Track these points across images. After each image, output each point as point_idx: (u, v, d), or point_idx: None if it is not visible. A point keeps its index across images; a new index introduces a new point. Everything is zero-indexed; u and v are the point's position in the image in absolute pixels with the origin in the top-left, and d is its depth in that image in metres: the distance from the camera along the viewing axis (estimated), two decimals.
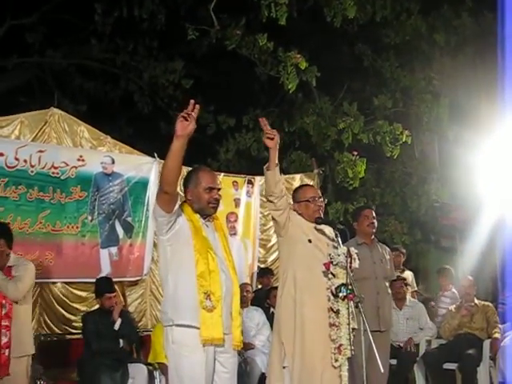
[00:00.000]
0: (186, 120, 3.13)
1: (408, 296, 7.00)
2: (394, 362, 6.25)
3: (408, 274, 7.99)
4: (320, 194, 4.32)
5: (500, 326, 6.36)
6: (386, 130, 8.49)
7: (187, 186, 3.52)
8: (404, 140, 8.49)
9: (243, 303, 6.60)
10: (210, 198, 3.44)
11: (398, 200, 9.85)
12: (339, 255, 3.74)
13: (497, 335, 6.19)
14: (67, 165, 6.17)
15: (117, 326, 5.50)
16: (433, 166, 10.36)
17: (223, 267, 3.39)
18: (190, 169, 3.77)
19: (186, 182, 3.54)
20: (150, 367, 5.63)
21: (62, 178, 6.14)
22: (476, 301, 6.52)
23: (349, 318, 3.70)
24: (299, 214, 4.05)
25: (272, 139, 3.80)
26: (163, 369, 5.49)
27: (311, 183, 7.83)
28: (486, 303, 6.56)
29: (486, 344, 6.11)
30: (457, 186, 9.33)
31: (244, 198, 7.80)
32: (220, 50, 8.51)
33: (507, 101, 7.54)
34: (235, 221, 7.63)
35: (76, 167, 6.23)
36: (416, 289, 8.20)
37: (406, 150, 9.34)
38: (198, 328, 3.22)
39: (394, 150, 8.55)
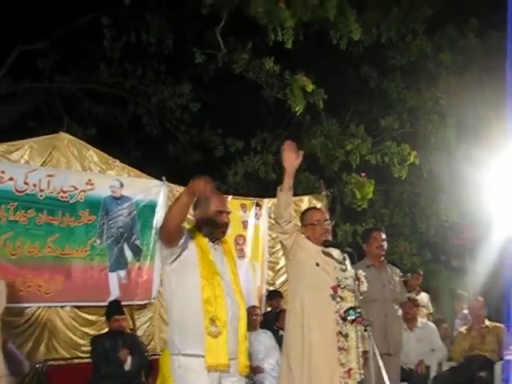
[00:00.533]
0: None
1: (419, 317, 6.94)
2: None
3: (423, 296, 7.94)
4: (327, 217, 4.32)
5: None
6: (394, 150, 8.52)
7: (197, 209, 3.53)
8: (412, 160, 8.51)
9: (252, 326, 6.60)
10: (219, 222, 3.45)
11: (407, 221, 9.84)
12: (347, 278, 3.73)
13: (509, 357, 6.10)
14: (76, 189, 6.22)
15: (127, 367, 5.47)
16: (441, 185, 10.34)
17: (230, 292, 3.38)
18: None
19: (195, 205, 3.56)
20: None
21: (70, 201, 6.19)
22: (487, 322, 6.46)
23: (357, 342, 3.67)
24: (307, 237, 4.05)
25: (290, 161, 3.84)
26: None
27: (319, 205, 7.82)
28: (497, 324, 6.49)
29: (498, 366, 6.02)
30: (467, 205, 9.29)
31: (252, 221, 7.81)
32: (227, 73, 8.59)
33: None
34: (243, 243, 7.63)
35: (85, 191, 6.28)
36: (431, 311, 8.14)
37: (414, 171, 9.34)
38: (204, 356, 3.21)
39: (402, 171, 8.57)
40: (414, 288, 7.90)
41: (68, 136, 6.43)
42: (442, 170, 10.76)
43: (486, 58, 9.44)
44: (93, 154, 6.56)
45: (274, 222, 4.55)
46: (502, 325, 6.50)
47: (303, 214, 4.28)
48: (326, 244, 3.98)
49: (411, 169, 8.85)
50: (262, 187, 8.85)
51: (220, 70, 8.68)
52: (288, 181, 3.87)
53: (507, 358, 6.10)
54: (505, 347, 6.23)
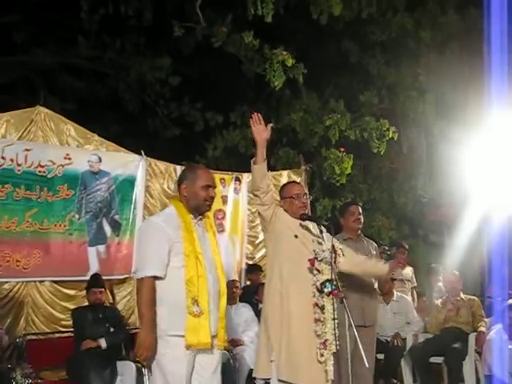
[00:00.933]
0: None
1: (403, 291, 7.06)
2: (381, 356, 6.32)
3: (408, 270, 8.02)
4: (306, 191, 4.35)
5: (486, 319, 6.43)
6: (373, 126, 8.55)
7: (183, 182, 3.51)
8: (390, 136, 8.55)
9: (232, 300, 6.66)
10: (206, 196, 3.45)
11: (385, 196, 9.92)
12: (324, 251, 3.77)
13: (482, 328, 6.25)
14: (54, 163, 6.17)
15: (103, 345, 5.48)
16: (420, 161, 10.43)
17: (211, 268, 3.40)
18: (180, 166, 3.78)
19: (181, 179, 3.55)
20: (139, 364, 5.62)
21: (48, 176, 6.14)
22: (462, 295, 6.58)
23: (334, 314, 3.73)
24: (284, 211, 4.08)
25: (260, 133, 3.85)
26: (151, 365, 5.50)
27: (298, 180, 7.85)
28: (472, 297, 6.62)
29: (472, 337, 6.16)
30: (444, 181, 9.39)
31: (232, 195, 7.82)
32: (207, 47, 8.52)
33: (494, 96, 7.60)
34: (223, 218, 7.66)
35: (63, 166, 6.22)
36: (415, 284, 8.24)
37: (393, 146, 9.40)
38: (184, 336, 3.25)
39: (381, 146, 8.62)
40: (400, 262, 7.96)
41: (45, 110, 6.34)
42: (421, 146, 10.84)
43: (465, 36, 9.48)
44: (70, 129, 6.48)
45: (252, 195, 4.56)
46: (476, 298, 6.64)
47: (282, 188, 4.30)
48: (303, 217, 4.01)
49: (390, 144, 8.90)
50: (241, 162, 8.83)
51: (199, 43, 8.61)
52: (260, 153, 3.87)
53: (480, 329, 6.26)
54: (478, 319, 6.38)
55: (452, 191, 9.30)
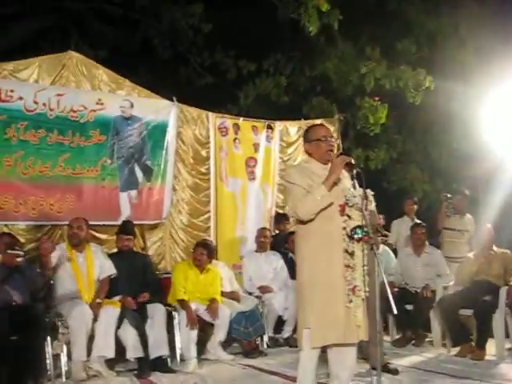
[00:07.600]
0: None
1: (427, 243, 6.96)
2: (410, 307, 6.32)
3: (467, 219, 7.71)
4: (332, 134, 4.22)
5: None
6: (409, 75, 8.33)
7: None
8: (427, 85, 8.32)
9: (262, 248, 6.70)
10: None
11: (419, 148, 9.72)
12: (355, 197, 3.69)
13: None
14: (86, 108, 6.23)
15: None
16: (456, 114, 10.14)
17: None
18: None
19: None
20: (170, 308, 5.71)
21: (81, 121, 6.21)
22: (494, 248, 6.47)
23: (363, 260, 3.68)
24: (309, 155, 3.93)
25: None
26: (183, 304, 5.59)
27: (332, 129, 7.72)
28: (504, 250, 6.49)
29: (503, 291, 6.06)
30: (480, 135, 9.12)
31: (263, 143, 7.78)
32: None
33: None
34: (254, 165, 7.64)
35: (95, 111, 6.27)
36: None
37: (429, 97, 9.13)
38: None
39: (417, 97, 8.41)
40: (460, 211, 7.68)
41: (77, 54, 6.36)
42: (457, 98, 10.53)
43: None
44: (102, 74, 6.49)
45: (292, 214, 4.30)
46: (508, 251, 6.51)
47: (307, 131, 4.06)
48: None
49: (426, 95, 8.67)
50: (273, 110, 8.74)
51: None
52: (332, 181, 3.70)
53: None
54: (510, 273, 6.28)
55: (488, 146, 9.04)
